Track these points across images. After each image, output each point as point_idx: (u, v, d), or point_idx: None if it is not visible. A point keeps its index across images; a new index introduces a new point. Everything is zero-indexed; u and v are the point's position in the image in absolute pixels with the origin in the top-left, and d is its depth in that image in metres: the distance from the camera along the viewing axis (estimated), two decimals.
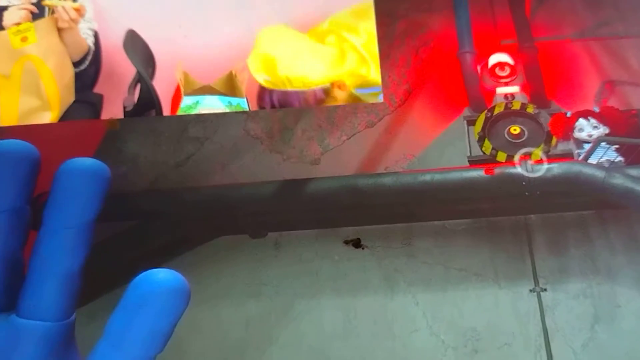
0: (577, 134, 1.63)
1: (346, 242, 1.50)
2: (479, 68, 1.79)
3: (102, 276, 1.45)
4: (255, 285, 1.47)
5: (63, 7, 1.54)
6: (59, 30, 1.55)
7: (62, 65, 1.56)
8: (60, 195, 0.28)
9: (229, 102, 1.68)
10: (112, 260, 1.56)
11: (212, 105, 1.65)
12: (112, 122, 1.81)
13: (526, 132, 1.64)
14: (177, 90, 1.66)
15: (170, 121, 1.75)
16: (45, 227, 0.28)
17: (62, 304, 0.28)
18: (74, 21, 1.54)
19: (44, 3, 1.57)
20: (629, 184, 1.50)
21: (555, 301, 1.38)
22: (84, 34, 1.59)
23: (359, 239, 1.49)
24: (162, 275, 0.27)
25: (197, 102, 1.68)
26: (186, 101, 1.68)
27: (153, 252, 1.61)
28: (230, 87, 1.65)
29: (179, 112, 1.67)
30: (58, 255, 0.28)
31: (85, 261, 0.28)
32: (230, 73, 1.65)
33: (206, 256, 1.54)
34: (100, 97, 1.58)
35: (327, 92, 1.51)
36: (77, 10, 1.55)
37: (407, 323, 1.37)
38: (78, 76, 1.57)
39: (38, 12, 1.56)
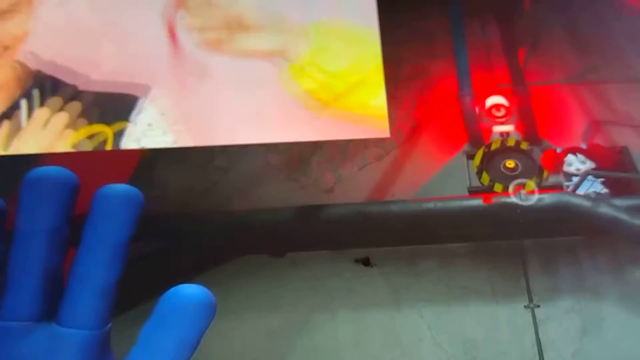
0: (566, 168, 1.80)
1: (356, 261, 1.65)
2: (477, 109, 1.97)
3: (136, 289, 1.59)
4: (274, 300, 1.61)
5: None
6: None
7: None
8: (97, 216, 0.29)
9: None
10: (145, 275, 1.70)
11: None
12: (144, 151, 1.99)
13: (520, 166, 1.81)
14: None
15: (198, 152, 1.92)
16: (83, 245, 0.29)
17: (98, 314, 0.29)
18: None
19: None
20: (613, 213, 1.65)
21: (547, 316, 1.52)
22: None
23: (368, 257, 1.64)
24: (190, 290, 0.28)
25: None
26: None
27: (182, 269, 1.76)
28: None
29: None
30: (95, 270, 0.29)
31: (120, 276, 0.29)
32: None
33: (230, 273, 1.68)
34: None
35: None
36: None
37: (413, 334, 1.51)
38: None
39: None
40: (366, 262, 1.64)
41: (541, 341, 1.47)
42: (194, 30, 1.59)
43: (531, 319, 1.53)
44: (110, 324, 0.29)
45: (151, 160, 1.96)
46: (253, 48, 1.58)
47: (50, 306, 0.29)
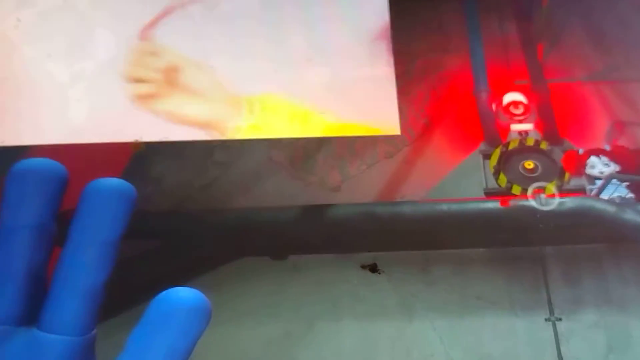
0: (589, 171, 1.69)
1: (363, 267, 1.54)
2: (494, 106, 1.87)
3: (125, 292, 1.49)
4: (274, 306, 1.50)
5: None
6: None
7: None
8: (87, 213, 0.28)
9: None
10: (136, 277, 1.60)
11: None
12: (138, 144, 1.88)
13: (540, 167, 1.71)
14: None
15: (197, 146, 1.82)
16: (69, 244, 0.28)
17: (83, 319, 0.28)
18: None
19: None
20: (639, 219, 1.56)
21: (570, 330, 1.41)
22: None
23: (375, 263, 1.53)
24: (183, 293, 0.27)
25: None
26: None
27: (176, 271, 1.65)
28: None
29: None
30: (81, 271, 0.28)
31: (109, 278, 0.28)
32: None
33: (227, 276, 1.57)
34: None
35: None
36: None
37: (424, 348, 1.40)
38: None
39: None
40: (373, 268, 1.53)
41: (563, 358, 1.37)
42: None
43: (552, 333, 1.42)
44: (95, 330, 0.29)
45: (146, 154, 1.85)
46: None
47: (32, 309, 0.28)
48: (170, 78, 1.53)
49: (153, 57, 1.55)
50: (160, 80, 1.52)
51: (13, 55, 1.62)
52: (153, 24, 1.57)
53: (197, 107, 1.49)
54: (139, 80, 1.52)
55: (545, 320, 1.45)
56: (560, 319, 1.43)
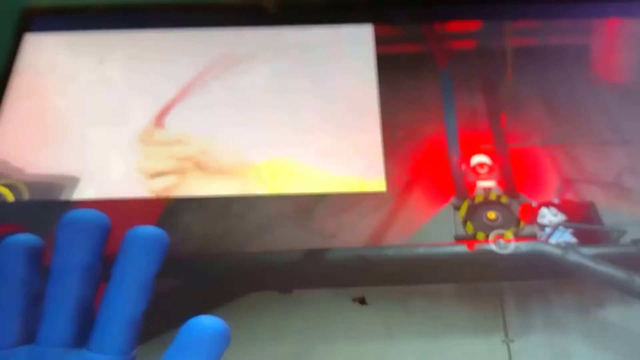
0: (540, 220, 2.00)
1: (354, 300, 1.85)
2: (463, 166, 2.20)
3: (159, 320, 1.78)
4: (282, 332, 1.80)
5: None
6: None
7: None
8: (127, 255, 0.32)
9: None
10: (167, 307, 1.90)
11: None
12: (169, 199, 2.22)
13: (500, 217, 2.02)
14: None
15: (217, 200, 2.15)
16: (113, 280, 0.32)
17: (125, 341, 0.32)
18: None
19: None
20: (581, 260, 1.84)
21: (520, 349, 1.70)
22: None
23: (363, 297, 1.84)
24: (208, 321, 0.31)
25: None
26: None
27: (200, 303, 1.95)
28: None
29: None
30: (123, 302, 0.31)
31: (146, 308, 0.32)
32: None
33: (242, 307, 1.86)
34: None
35: None
36: None
37: None
38: None
39: None
40: (362, 301, 1.84)
41: None
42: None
43: (507, 352, 1.71)
44: (135, 351, 0.32)
45: (175, 207, 2.18)
46: None
47: (82, 334, 0.32)
48: (189, 165, 1.70)
49: (169, 146, 1.68)
50: (180, 169, 1.68)
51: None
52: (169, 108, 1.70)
53: (221, 182, 1.76)
54: (156, 175, 1.65)
55: (502, 341, 1.73)
56: (513, 340, 1.72)
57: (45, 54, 1.85)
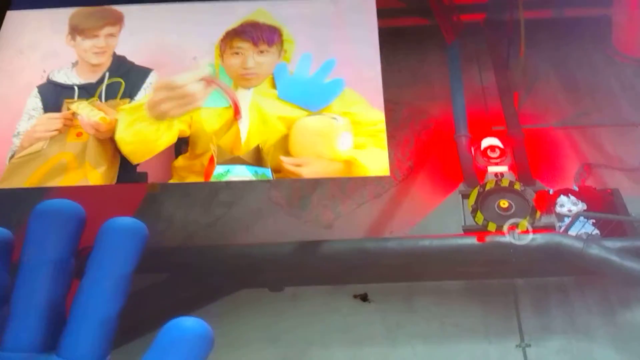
0: (558, 209, 1.85)
1: (355, 296, 1.69)
2: (472, 149, 2.04)
3: (137, 321, 1.64)
4: (273, 334, 1.65)
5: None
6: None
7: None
8: (102, 250, 0.29)
9: (255, 172, 1.93)
10: (146, 307, 1.75)
11: (241, 173, 1.90)
12: (152, 185, 2.06)
13: (514, 206, 1.86)
14: (211, 159, 1.92)
15: (203, 187, 1.99)
16: (87, 277, 0.29)
17: (99, 346, 0.29)
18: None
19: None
20: (604, 254, 1.69)
21: (538, 356, 1.54)
22: None
23: (366, 293, 1.68)
24: (189, 323, 0.29)
25: (228, 170, 1.93)
26: (218, 169, 1.94)
27: (182, 302, 1.80)
28: (256, 158, 1.91)
29: (212, 179, 1.91)
30: (97, 303, 0.29)
31: (122, 308, 0.30)
32: (257, 146, 1.91)
33: (229, 306, 1.72)
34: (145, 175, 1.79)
35: None
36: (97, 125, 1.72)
37: None
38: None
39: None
40: (364, 297, 1.68)
41: None
42: None
43: (523, 358, 1.56)
44: (109, 356, 0.30)
45: (158, 195, 2.02)
46: None
47: (52, 337, 0.30)
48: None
49: None
50: None
51: None
52: None
53: None
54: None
55: (516, 346, 1.58)
56: (529, 345, 1.57)
57: (27, 31, 1.92)
